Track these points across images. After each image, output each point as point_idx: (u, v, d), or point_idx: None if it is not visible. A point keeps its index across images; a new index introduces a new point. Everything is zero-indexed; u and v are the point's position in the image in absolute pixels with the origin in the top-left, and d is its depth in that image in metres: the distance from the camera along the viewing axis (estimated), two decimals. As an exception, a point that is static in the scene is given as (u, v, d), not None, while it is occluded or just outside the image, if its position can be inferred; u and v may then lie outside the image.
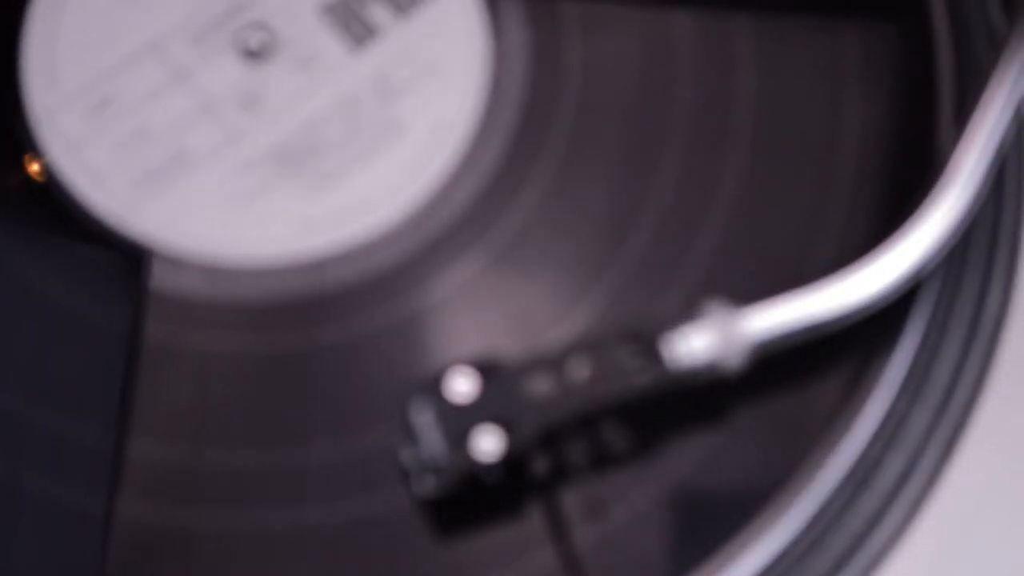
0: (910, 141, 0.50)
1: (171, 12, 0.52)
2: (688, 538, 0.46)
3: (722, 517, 0.46)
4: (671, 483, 0.47)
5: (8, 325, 0.49)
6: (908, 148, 0.50)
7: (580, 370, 0.45)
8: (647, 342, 0.46)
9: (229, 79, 0.51)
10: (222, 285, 0.49)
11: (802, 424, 0.48)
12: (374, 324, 0.49)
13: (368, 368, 0.48)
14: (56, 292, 0.49)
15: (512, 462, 0.45)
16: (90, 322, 0.49)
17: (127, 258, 0.50)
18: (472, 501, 0.46)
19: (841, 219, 0.49)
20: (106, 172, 0.50)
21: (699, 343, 0.46)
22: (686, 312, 0.46)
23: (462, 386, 0.45)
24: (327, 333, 0.49)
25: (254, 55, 0.51)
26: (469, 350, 0.47)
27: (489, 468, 0.45)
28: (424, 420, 0.45)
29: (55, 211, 0.50)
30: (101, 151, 0.51)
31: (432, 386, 0.45)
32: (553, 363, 0.45)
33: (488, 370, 0.45)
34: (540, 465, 0.46)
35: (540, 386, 0.45)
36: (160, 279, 0.49)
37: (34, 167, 0.51)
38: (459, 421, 0.45)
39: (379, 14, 0.52)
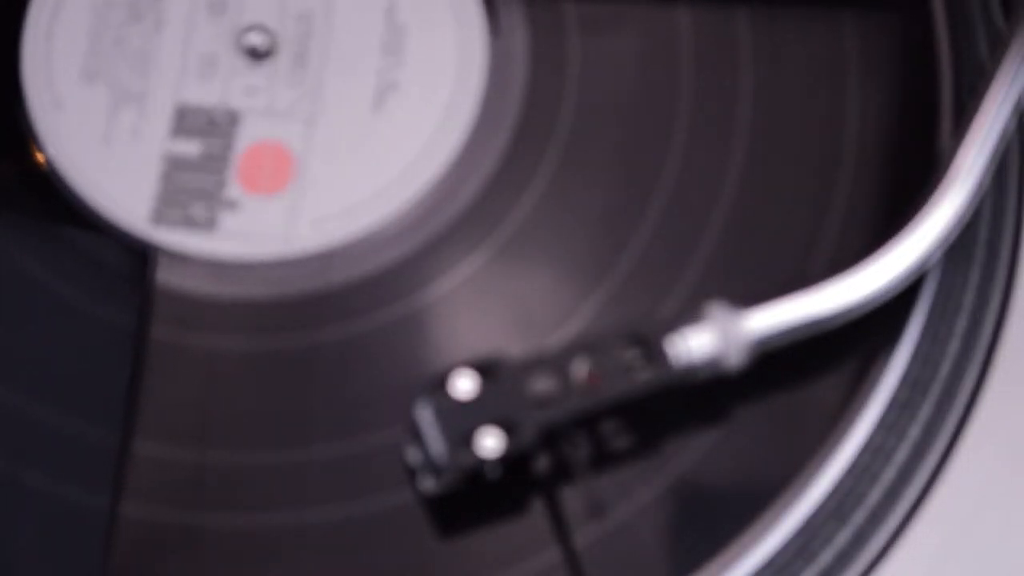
0: (911, 140, 0.50)
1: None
2: (689, 536, 0.46)
3: (723, 515, 0.46)
4: (672, 482, 0.47)
5: (12, 321, 0.49)
6: (909, 147, 0.50)
7: (581, 369, 0.45)
8: (648, 341, 0.46)
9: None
10: (227, 282, 0.49)
11: (803, 422, 0.48)
12: (378, 322, 0.49)
13: (372, 366, 0.48)
14: (60, 289, 0.49)
15: (513, 461, 0.45)
16: (94, 319, 0.49)
17: (132, 255, 0.50)
18: (474, 500, 0.46)
19: (841, 218, 0.49)
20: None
21: (700, 341, 0.46)
22: (687, 310, 0.47)
23: (464, 385, 0.45)
24: (331, 331, 0.49)
25: (257, 53, 0.52)
26: (471, 349, 0.47)
27: (490, 467, 0.45)
28: (426, 419, 0.45)
29: (60, 205, 0.50)
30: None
31: (434, 385, 0.45)
32: (554, 362, 0.45)
33: (489, 369, 0.45)
34: (541, 464, 0.46)
35: (541, 385, 0.45)
36: (165, 276, 0.49)
37: (38, 160, 0.51)
38: (461, 420, 0.45)
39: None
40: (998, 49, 0.48)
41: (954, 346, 0.48)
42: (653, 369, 0.46)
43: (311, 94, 0.51)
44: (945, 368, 0.48)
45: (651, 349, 0.46)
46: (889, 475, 0.47)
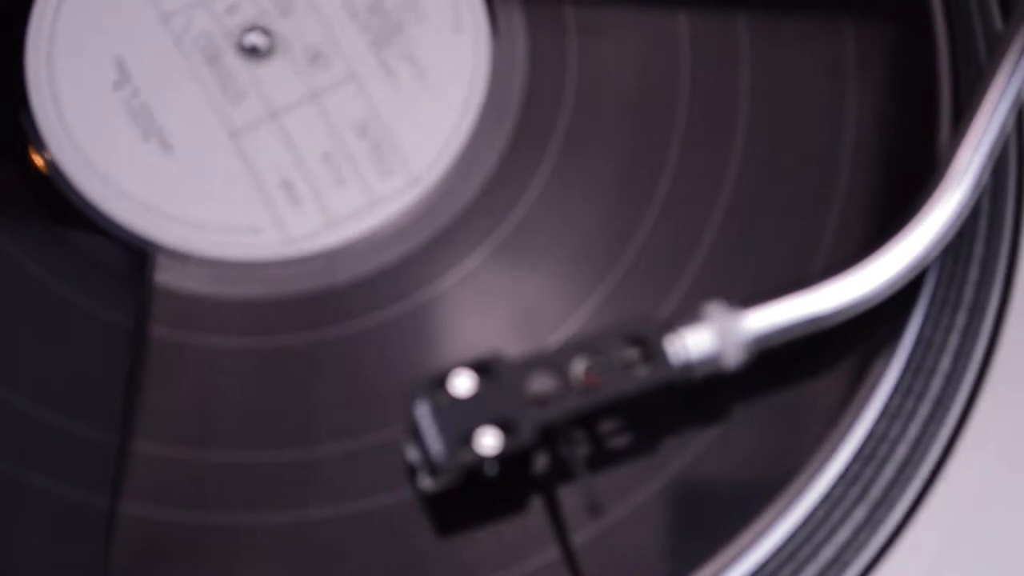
0: (910, 140, 0.50)
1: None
2: (688, 536, 0.46)
3: (722, 514, 0.46)
4: (671, 481, 0.47)
5: (11, 321, 0.49)
6: (908, 147, 0.50)
7: (580, 368, 0.46)
8: (647, 340, 0.46)
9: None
10: (227, 281, 0.49)
11: (802, 421, 0.48)
12: (378, 322, 0.49)
13: (372, 366, 0.48)
14: (60, 289, 0.49)
15: (512, 460, 0.45)
16: (95, 319, 0.49)
17: (131, 254, 0.50)
18: (473, 499, 0.46)
19: (841, 218, 0.49)
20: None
21: (698, 340, 0.46)
22: (686, 310, 0.47)
23: (463, 384, 0.45)
24: (331, 331, 0.49)
25: (257, 52, 0.52)
26: (471, 348, 0.47)
27: (489, 465, 0.45)
28: (425, 418, 0.45)
29: (59, 206, 0.50)
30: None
31: (434, 384, 0.45)
32: (554, 362, 0.46)
33: (488, 369, 0.45)
34: (540, 463, 0.46)
35: (541, 385, 0.45)
36: (164, 275, 0.49)
37: (38, 162, 0.51)
38: (460, 419, 0.45)
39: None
40: (996, 49, 0.48)
41: (953, 345, 0.48)
42: (652, 368, 0.46)
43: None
44: (944, 368, 0.48)
45: (650, 348, 0.46)
46: (888, 473, 0.47)
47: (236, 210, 0.50)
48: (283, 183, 0.50)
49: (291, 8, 0.52)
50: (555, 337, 0.48)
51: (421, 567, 0.46)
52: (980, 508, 0.47)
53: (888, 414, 0.47)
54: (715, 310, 0.46)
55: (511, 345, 0.47)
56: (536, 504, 0.46)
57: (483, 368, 0.45)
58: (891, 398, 0.48)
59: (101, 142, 0.51)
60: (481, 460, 0.45)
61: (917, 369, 0.48)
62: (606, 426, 0.47)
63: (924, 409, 0.48)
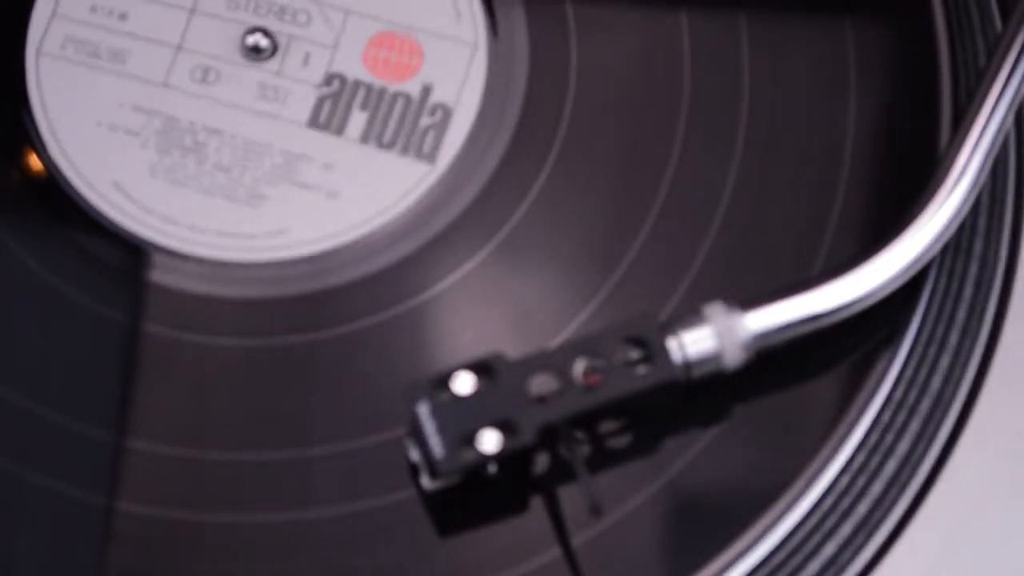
0: (910, 140, 0.50)
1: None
2: (688, 536, 0.46)
3: (722, 514, 0.46)
4: (671, 481, 0.47)
5: (10, 319, 0.49)
6: (908, 147, 0.50)
7: (581, 368, 0.46)
8: (647, 340, 0.46)
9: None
10: (225, 282, 0.49)
11: (802, 421, 0.48)
12: (377, 322, 0.49)
13: (371, 366, 0.48)
14: (57, 287, 0.49)
15: (513, 460, 0.45)
16: (92, 317, 0.49)
17: (129, 253, 0.50)
18: (474, 499, 0.46)
19: (841, 218, 0.49)
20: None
21: (698, 340, 0.46)
22: (686, 310, 0.47)
23: (464, 385, 0.45)
24: (330, 331, 0.49)
25: (259, 51, 0.52)
26: (471, 349, 0.47)
27: (489, 465, 0.45)
28: (426, 418, 0.45)
29: (56, 206, 0.50)
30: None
31: (434, 384, 0.45)
32: (554, 362, 0.46)
33: (489, 369, 0.45)
34: (541, 463, 0.46)
35: (541, 385, 0.45)
36: (160, 274, 0.49)
37: (35, 162, 0.51)
38: (460, 420, 0.45)
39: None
40: (996, 50, 0.48)
41: (952, 345, 0.48)
42: (652, 368, 0.46)
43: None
44: (943, 368, 0.48)
45: (650, 349, 0.46)
46: (888, 472, 0.47)
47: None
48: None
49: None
50: (556, 338, 0.48)
51: (421, 567, 0.46)
52: (979, 508, 0.47)
53: (890, 408, 0.48)
54: (715, 310, 0.46)
55: (511, 346, 0.47)
56: (536, 504, 0.46)
57: (484, 368, 0.45)
58: (890, 398, 0.48)
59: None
60: (482, 460, 0.45)
61: (917, 367, 0.48)
62: (606, 426, 0.47)
63: (924, 406, 0.48)
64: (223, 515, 0.47)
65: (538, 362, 0.46)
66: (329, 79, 0.51)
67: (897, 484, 0.47)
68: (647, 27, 0.52)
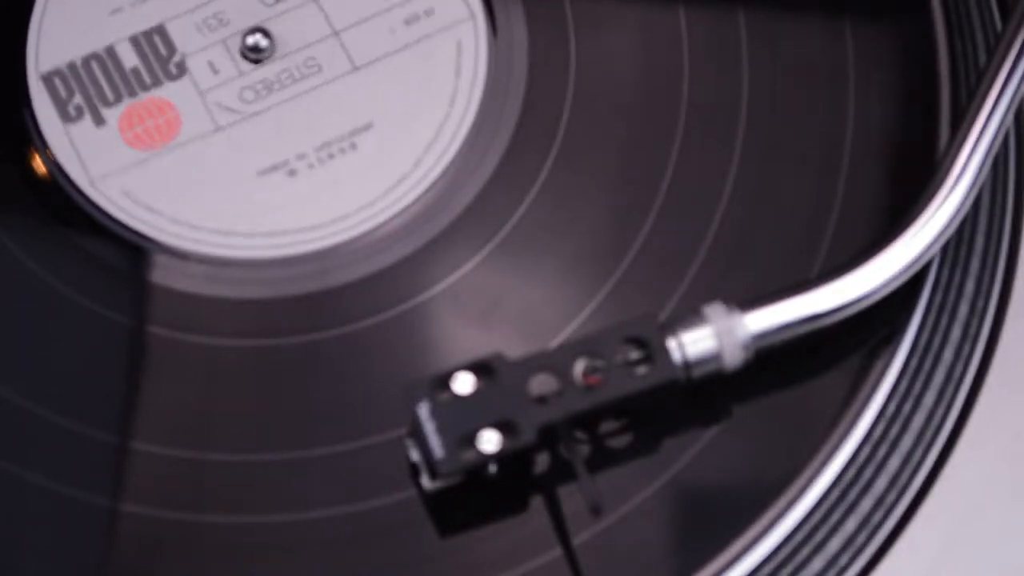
0: (910, 140, 0.50)
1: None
2: (689, 535, 0.46)
3: (723, 514, 0.46)
4: (672, 481, 0.47)
5: (11, 320, 0.49)
6: (908, 147, 0.50)
7: (581, 369, 0.46)
8: (648, 340, 0.46)
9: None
10: (227, 282, 0.49)
11: (802, 421, 0.48)
12: (377, 323, 0.49)
13: (372, 366, 0.48)
14: (59, 287, 0.49)
15: (513, 460, 0.45)
16: (93, 318, 0.49)
17: (130, 253, 0.50)
18: (474, 499, 0.46)
19: (841, 219, 0.49)
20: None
21: (699, 340, 0.46)
22: (686, 310, 0.47)
23: (464, 385, 0.45)
24: (330, 331, 0.49)
25: (256, 52, 0.52)
26: (471, 349, 0.47)
27: (489, 465, 0.45)
28: (426, 419, 0.45)
29: (58, 206, 0.50)
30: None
31: (434, 384, 0.45)
32: (554, 362, 0.46)
33: (489, 369, 0.45)
34: (541, 463, 0.46)
35: (541, 385, 0.45)
36: (161, 275, 0.49)
37: (38, 161, 0.51)
38: (461, 420, 0.45)
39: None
40: (996, 49, 0.48)
41: (953, 344, 0.48)
42: (653, 368, 0.46)
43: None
44: (943, 368, 0.48)
45: (650, 349, 0.46)
46: (888, 472, 0.47)
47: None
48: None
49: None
50: (556, 338, 0.48)
51: (421, 567, 0.46)
52: (979, 508, 0.47)
53: (889, 407, 0.48)
54: (715, 310, 0.46)
55: (511, 346, 0.47)
56: (537, 504, 0.46)
57: (484, 369, 0.45)
58: (890, 397, 0.48)
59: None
60: (482, 460, 0.45)
61: (916, 367, 0.48)
62: (606, 426, 0.47)
63: (927, 401, 0.48)
64: (224, 515, 0.47)
65: (538, 362, 0.46)
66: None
67: (898, 483, 0.47)
68: (647, 27, 0.52)
